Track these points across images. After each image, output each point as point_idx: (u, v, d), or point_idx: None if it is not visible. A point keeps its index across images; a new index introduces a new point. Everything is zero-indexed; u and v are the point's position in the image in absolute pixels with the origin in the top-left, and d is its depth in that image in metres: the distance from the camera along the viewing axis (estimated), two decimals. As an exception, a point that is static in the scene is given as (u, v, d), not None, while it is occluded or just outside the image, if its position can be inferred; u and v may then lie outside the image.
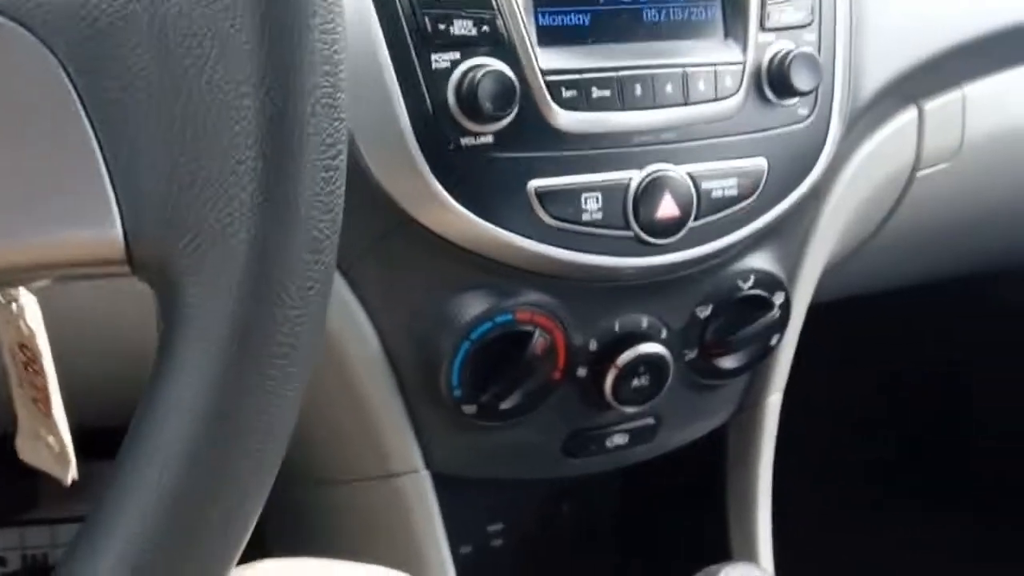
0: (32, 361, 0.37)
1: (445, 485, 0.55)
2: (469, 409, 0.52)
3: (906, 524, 1.01)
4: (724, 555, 0.63)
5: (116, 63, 0.25)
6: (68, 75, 0.25)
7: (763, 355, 0.58)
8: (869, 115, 0.57)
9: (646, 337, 0.53)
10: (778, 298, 0.56)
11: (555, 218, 0.48)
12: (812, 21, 0.52)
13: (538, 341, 0.50)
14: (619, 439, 0.57)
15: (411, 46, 0.45)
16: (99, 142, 0.26)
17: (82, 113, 0.25)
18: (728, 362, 0.57)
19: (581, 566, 0.67)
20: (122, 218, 0.26)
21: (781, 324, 0.57)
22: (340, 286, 0.49)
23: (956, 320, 0.99)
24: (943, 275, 0.79)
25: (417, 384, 0.52)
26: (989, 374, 1.02)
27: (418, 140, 0.45)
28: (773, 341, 0.57)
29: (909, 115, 0.60)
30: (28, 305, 0.36)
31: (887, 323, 0.98)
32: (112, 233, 0.26)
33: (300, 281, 0.27)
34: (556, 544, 0.65)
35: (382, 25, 0.44)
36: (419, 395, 0.52)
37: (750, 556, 0.62)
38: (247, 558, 0.30)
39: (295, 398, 0.28)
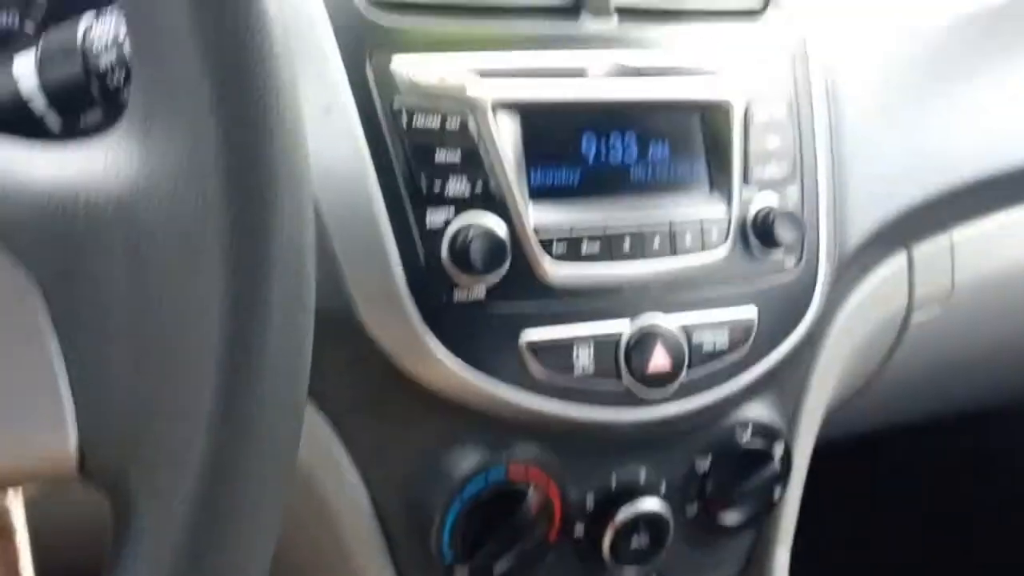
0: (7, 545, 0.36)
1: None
2: (461, 572, 0.50)
3: None
4: None
5: (89, 283, 0.26)
6: (43, 292, 0.26)
7: (767, 509, 0.56)
8: (858, 262, 0.58)
9: (644, 492, 0.52)
10: (778, 449, 0.55)
11: (547, 370, 0.48)
12: (795, 175, 0.53)
13: (533, 498, 0.49)
14: (621, 601, 0.54)
15: (407, 204, 0.46)
16: (64, 356, 0.26)
17: (51, 329, 0.26)
18: (730, 517, 0.55)
19: None
20: (79, 430, 0.26)
21: (783, 477, 0.56)
22: (330, 439, 0.49)
23: (964, 458, 0.97)
24: (948, 413, 0.78)
25: (406, 544, 0.50)
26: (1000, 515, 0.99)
27: (412, 295, 0.46)
28: (776, 495, 0.56)
29: (899, 260, 0.61)
30: (13, 505, 0.35)
31: (894, 463, 0.96)
32: (68, 445, 0.26)
33: (255, 496, 0.26)
34: None
35: (380, 184, 0.45)
36: (408, 556, 0.51)
37: None
38: None
39: None
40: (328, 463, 0.49)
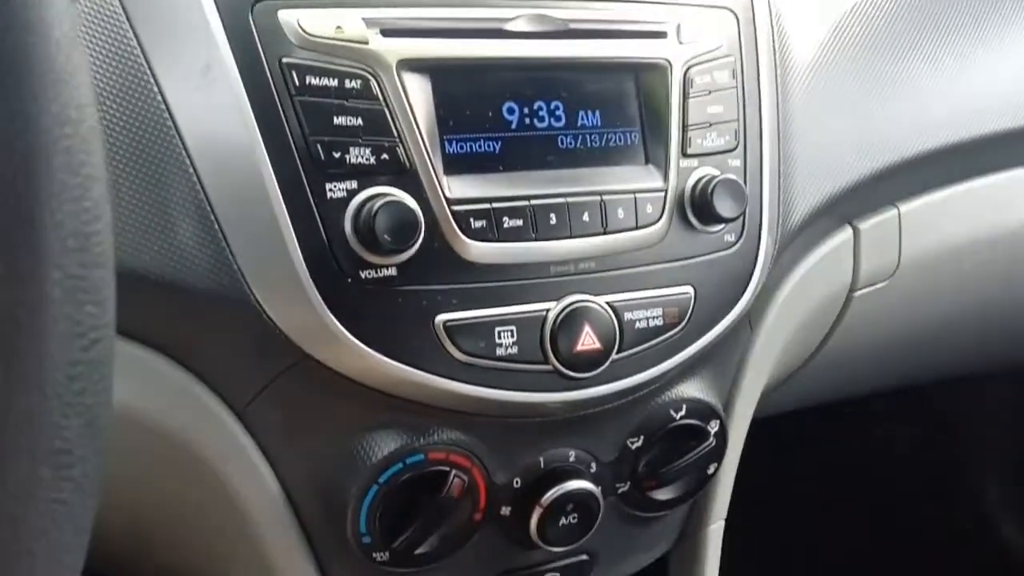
0: None
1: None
2: (380, 556, 0.44)
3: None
4: None
5: None
6: None
7: (700, 485, 0.50)
8: (802, 237, 0.51)
9: (573, 473, 0.46)
10: (713, 426, 0.49)
11: (466, 353, 0.41)
12: (737, 146, 0.46)
13: (454, 482, 0.43)
14: (551, 579, 0.48)
15: (303, 174, 0.38)
16: None
17: None
18: (663, 494, 0.50)
19: None
20: None
21: (717, 453, 0.49)
22: (235, 429, 0.42)
23: (897, 427, 0.90)
24: (886, 388, 0.71)
25: (323, 531, 0.44)
26: (934, 481, 0.93)
27: (312, 274, 0.39)
28: (710, 470, 0.50)
29: (844, 235, 0.54)
30: None
31: (828, 434, 0.90)
32: None
33: None
34: None
35: (270, 153, 0.37)
36: (325, 543, 0.44)
37: None
38: None
39: None
40: (233, 455, 0.42)
